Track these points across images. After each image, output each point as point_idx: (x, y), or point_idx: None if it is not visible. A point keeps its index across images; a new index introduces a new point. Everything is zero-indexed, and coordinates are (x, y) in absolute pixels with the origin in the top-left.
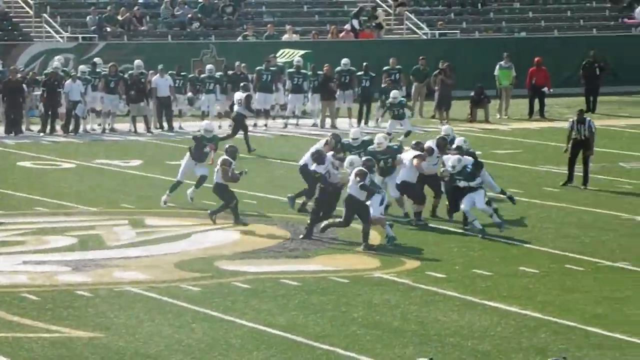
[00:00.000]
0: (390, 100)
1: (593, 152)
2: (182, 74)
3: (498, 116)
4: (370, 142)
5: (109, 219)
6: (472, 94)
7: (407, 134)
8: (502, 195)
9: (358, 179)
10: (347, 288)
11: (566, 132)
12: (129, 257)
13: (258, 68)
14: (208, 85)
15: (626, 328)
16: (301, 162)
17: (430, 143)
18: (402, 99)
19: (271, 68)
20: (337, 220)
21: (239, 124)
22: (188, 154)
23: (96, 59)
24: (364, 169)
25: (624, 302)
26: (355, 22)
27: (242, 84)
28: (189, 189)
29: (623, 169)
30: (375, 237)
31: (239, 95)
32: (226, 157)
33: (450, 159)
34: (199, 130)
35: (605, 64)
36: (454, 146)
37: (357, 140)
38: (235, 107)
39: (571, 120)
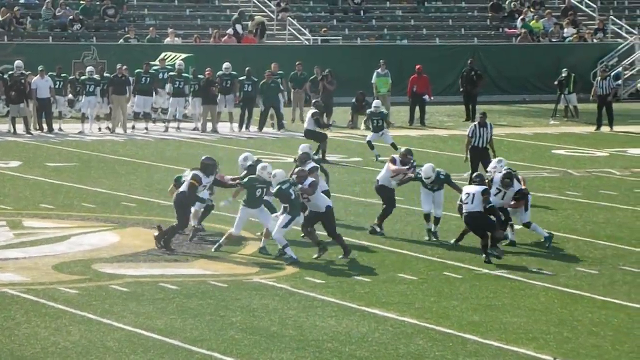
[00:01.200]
0: (371, 109)
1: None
2: (63, 75)
3: None
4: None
5: None
6: (354, 100)
7: (393, 146)
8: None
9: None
10: (225, 292)
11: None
12: (6, 258)
13: (137, 71)
14: (88, 87)
15: (502, 336)
16: (379, 181)
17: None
18: (383, 110)
19: (150, 71)
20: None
21: None
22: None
23: None
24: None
25: (501, 309)
26: (238, 27)
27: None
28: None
29: None
30: (252, 242)
31: None
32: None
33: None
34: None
35: (481, 72)
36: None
37: (429, 179)
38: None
39: (473, 125)
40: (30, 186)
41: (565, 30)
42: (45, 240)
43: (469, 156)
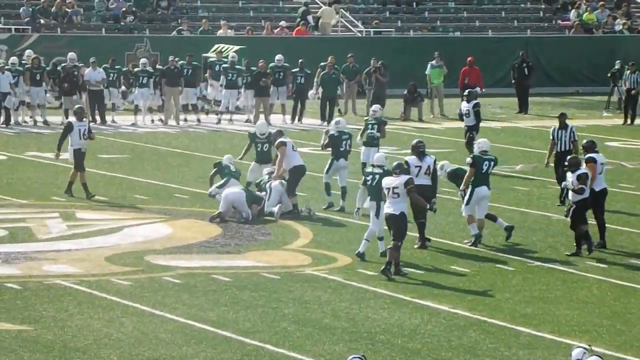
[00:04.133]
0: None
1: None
2: (116, 67)
3: (431, 115)
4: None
5: (40, 211)
6: (406, 91)
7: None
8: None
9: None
10: (278, 284)
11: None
12: (59, 250)
13: (180, 62)
14: (141, 79)
15: (555, 328)
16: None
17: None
18: (375, 122)
19: (193, 63)
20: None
21: None
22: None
23: (27, 52)
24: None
25: (553, 302)
26: (309, 18)
27: None
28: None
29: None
30: (306, 234)
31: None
32: None
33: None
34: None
35: (532, 64)
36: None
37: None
38: None
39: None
40: None
41: (617, 21)
42: (98, 232)
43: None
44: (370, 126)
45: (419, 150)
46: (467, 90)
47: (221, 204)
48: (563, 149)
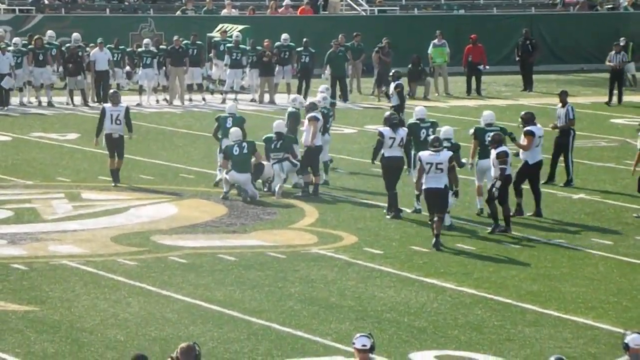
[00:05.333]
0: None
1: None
2: (120, 47)
3: (436, 94)
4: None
5: (45, 192)
6: (410, 65)
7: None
8: None
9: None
10: (284, 264)
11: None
12: (65, 230)
13: (185, 42)
14: (145, 59)
15: (561, 305)
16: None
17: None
18: (328, 96)
19: (197, 42)
20: None
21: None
22: None
23: (49, 32)
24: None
25: (559, 279)
26: None
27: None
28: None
29: None
30: (311, 213)
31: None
32: None
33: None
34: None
35: (536, 41)
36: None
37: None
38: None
39: None
40: (89, 158)
41: None
42: (104, 213)
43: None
44: (325, 110)
45: (392, 122)
46: (393, 70)
47: (224, 187)
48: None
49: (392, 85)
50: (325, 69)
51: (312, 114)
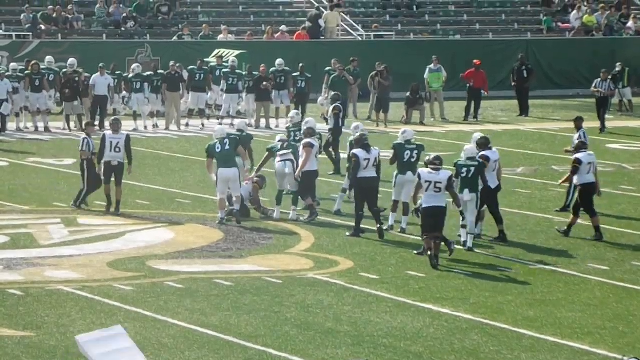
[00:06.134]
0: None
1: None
2: (117, 73)
3: (432, 119)
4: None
5: (42, 217)
6: (408, 93)
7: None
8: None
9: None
10: (280, 289)
11: None
12: (61, 255)
13: (191, 68)
14: (135, 84)
15: (557, 331)
16: None
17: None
18: (296, 129)
19: (204, 68)
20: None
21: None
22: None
23: (48, 58)
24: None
25: (556, 304)
26: (321, 22)
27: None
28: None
29: (555, 172)
30: (308, 237)
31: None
32: None
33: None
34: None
35: (532, 67)
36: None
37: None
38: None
39: None
40: None
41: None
42: (100, 238)
43: None
44: (292, 134)
45: (364, 143)
46: (332, 93)
47: (218, 185)
48: None
49: (330, 107)
50: (327, 93)
51: (308, 140)
